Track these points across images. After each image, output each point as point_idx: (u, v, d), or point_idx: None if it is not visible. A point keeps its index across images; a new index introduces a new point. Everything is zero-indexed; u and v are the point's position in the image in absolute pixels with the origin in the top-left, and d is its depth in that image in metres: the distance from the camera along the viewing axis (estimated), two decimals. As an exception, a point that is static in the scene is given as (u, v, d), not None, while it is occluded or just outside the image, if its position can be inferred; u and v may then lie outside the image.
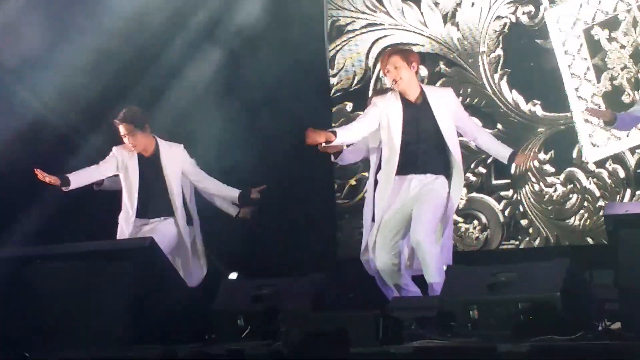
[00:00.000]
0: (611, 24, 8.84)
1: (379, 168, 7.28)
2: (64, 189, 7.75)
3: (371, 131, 7.21)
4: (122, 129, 7.83)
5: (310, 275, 6.22)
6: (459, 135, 7.37)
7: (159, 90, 9.50)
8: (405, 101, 7.18)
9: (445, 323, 5.75)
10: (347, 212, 9.70)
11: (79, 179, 7.81)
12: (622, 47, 8.78)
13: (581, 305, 5.65)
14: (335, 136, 6.98)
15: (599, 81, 8.85)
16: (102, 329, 6.12)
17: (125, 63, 9.49)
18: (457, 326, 5.73)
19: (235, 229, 8.55)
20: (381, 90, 8.36)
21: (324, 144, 7.01)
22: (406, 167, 7.15)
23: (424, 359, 5.36)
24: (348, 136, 7.20)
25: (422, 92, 7.22)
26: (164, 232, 7.65)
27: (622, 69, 8.78)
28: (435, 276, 6.81)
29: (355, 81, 9.85)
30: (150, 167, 7.89)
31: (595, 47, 8.89)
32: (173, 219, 7.80)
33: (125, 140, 7.83)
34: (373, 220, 7.20)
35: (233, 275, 7.70)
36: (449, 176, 7.18)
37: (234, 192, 7.96)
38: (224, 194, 8.00)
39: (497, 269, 5.87)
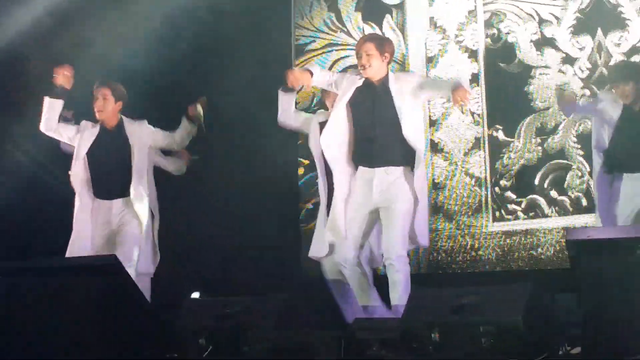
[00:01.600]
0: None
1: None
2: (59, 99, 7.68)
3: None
4: (98, 92, 7.74)
5: (274, 295, 6.05)
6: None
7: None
8: (366, 81, 7.01)
9: (407, 344, 5.61)
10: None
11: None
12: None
13: (543, 329, 5.54)
14: (312, 76, 6.88)
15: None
16: (65, 344, 5.91)
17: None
18: (418, 348, 5.59)
19: (202, 247, 8.40)
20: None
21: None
22: (364, 156, 6.95)
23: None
24: (322, 77, 7.08)
25: (386, 76, 7.01)
26: (130, 235, 7.51)
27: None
28: (403, 298, 6.64)
29: (315, 101, 9.75)
30: (111, 141, 7.74)
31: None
32: (136, 219, 7.60)
33: (96, 103, 7.72)
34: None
35: (196, 295, 7.52)
36: (411, 167, 6.91)
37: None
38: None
39: (460, 292, 5.74)
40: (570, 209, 8.75)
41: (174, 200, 8.29)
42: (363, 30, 9.59)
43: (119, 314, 5.84)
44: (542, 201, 8.85)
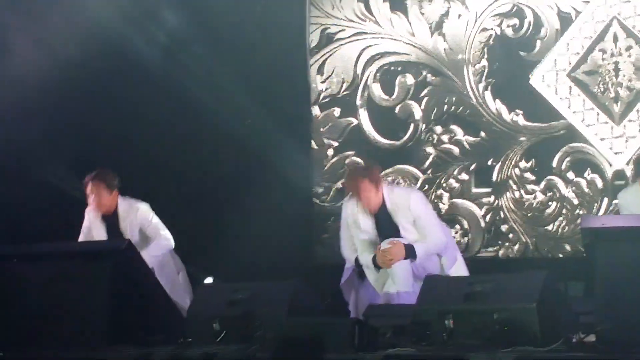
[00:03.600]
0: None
1: None
2: None
3: None
4: (89, 188, 7.44)
5: (287, 280, 5.88)
6: None
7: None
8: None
9: (421, 332, 5.45)
10: (333, 215, 9.34)
11: None
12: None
13: (556, 317, 5.38)
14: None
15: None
16: (78, 330, 5.77)
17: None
18: (432, 335, 5.42)
19: (212, 233, 8.21)
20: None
21: None
22: None
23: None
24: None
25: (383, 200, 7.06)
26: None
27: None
28: (401, 285, 6.66)
29: (343, 88, 9.58)
30: (109, 226, 7.48)
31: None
32: None
33: (90, 200, 7.42)
34: None
35: (209, 280, 7.34)
36: None
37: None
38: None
39: (473, 279, 5.60)
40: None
41: (185, 186, 8.13)
42: (390, 20, 9.42)
43: (132, 300, 5.68)
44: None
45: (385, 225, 7.00)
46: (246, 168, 9.24)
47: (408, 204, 7.01)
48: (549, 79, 8.82)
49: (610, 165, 8.58)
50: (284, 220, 9.01)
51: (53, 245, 6.33)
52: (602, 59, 8.64)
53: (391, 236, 6.90)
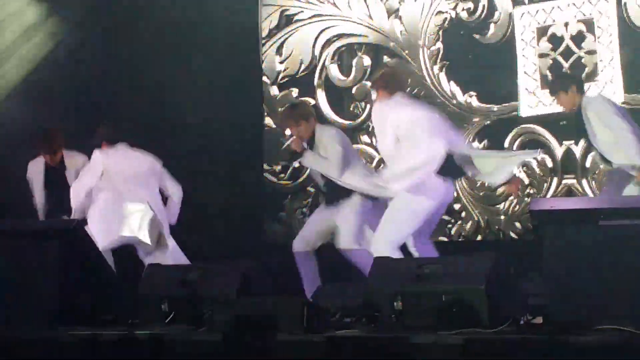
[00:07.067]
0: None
1: None
2: None
3: None
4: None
5: (237, 261, 5.64)
6: None
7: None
8: None
9: (370, 313, 5.25)
10: (289, 193, 9.30)
11: None
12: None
13: (504, 299, 5.19)
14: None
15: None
16: (27, 309, 5.50)
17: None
18: (381, 316, 5.23)
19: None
20: None
21: None
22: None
23: (346, 348, 4.86)
24: None
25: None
26: None
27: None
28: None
29: (301, 68, 9.43)
30: None
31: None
32: None
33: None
34: None
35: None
36: None
37: None
38: None
39: (422, 261, 5.43)
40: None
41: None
42: (348, 2, 9.21)
43: (81, 280, 5.42)
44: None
45: None
46: (199, 147, 9.04)
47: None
48: (503, 59, 8.63)
49: (560, 145, 8.42)
50: (237, 199, 8.82)
51: (1, 224, 6.05)
52: (553, 43, 8.46)
53: None
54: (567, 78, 7.55)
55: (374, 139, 8.84)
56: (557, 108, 7.30)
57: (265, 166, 9.44)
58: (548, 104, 8.26)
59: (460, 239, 8.74)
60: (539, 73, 8.46)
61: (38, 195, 7.73)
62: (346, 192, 6.81)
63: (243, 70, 9.38)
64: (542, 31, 8.49)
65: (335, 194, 6.86)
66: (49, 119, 8.31)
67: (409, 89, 8.80)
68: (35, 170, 7.80)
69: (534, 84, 8.48)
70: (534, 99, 8.49)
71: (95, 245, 5.73)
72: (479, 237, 8.72)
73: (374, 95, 6.70)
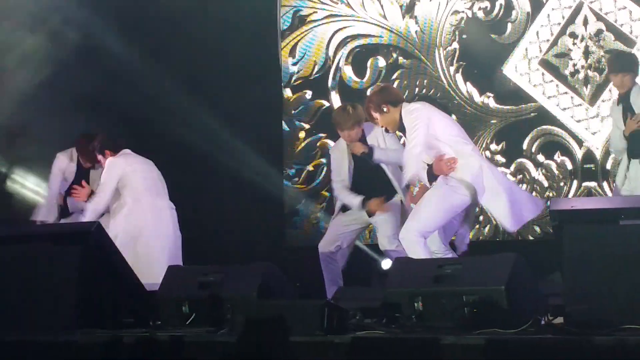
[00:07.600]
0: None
1: None
2: None
3: None
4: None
5: (257, 263, 5.65)
6: None
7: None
8: None
9: (390, 314, 5.23)
10: (304, 197, 9.28)
11: None
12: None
13: (525, 299, 5.16)
14: None
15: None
16: (47, 313, 5.51)
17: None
18: (401, 317, 5.21)
19: (183, 216, 7.99)
20: None
21: None
22: None
23: (367, 349, 4.84)
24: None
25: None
26: None
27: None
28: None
29: (315, 70, 9.42)
30: None
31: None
32: None
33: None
34: None
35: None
36: None
37: None
38: None
39: (443, 261, 5.43)
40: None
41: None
42: (362, 2, 9.20)
43: (101, 282, 5.43)
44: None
45: None
46: (217, 151, 9.03)
47: None
48: (521, 68, 8.62)
49: (580, 147, 8.41)
50: (256, 203, 8.81)
51: (22, 228, 6.07)
52: (573, 43, 8.44)
53: None
54: (627, 59, 7.28)
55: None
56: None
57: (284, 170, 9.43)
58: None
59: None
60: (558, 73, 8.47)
61: (54, 187, 7.84)
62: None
63: (262, 72, 9.39)
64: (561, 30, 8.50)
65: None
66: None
67: (424, 90, 8.88)
68: (61, 165, 7.93)
69: (553, 84, 8.48)
70: (553, 101, 8.50)
71: (115, 246, 5.75)
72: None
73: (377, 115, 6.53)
